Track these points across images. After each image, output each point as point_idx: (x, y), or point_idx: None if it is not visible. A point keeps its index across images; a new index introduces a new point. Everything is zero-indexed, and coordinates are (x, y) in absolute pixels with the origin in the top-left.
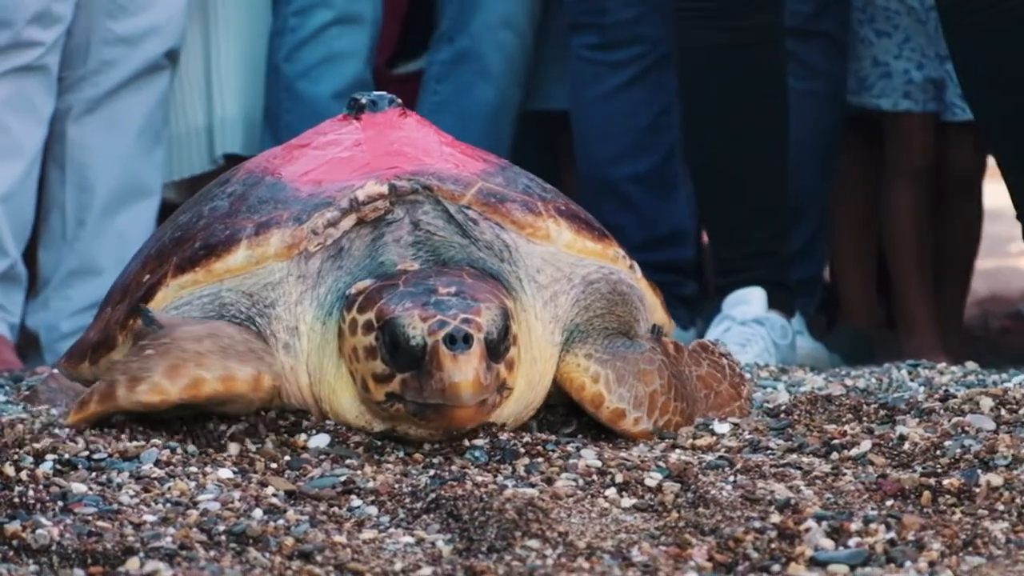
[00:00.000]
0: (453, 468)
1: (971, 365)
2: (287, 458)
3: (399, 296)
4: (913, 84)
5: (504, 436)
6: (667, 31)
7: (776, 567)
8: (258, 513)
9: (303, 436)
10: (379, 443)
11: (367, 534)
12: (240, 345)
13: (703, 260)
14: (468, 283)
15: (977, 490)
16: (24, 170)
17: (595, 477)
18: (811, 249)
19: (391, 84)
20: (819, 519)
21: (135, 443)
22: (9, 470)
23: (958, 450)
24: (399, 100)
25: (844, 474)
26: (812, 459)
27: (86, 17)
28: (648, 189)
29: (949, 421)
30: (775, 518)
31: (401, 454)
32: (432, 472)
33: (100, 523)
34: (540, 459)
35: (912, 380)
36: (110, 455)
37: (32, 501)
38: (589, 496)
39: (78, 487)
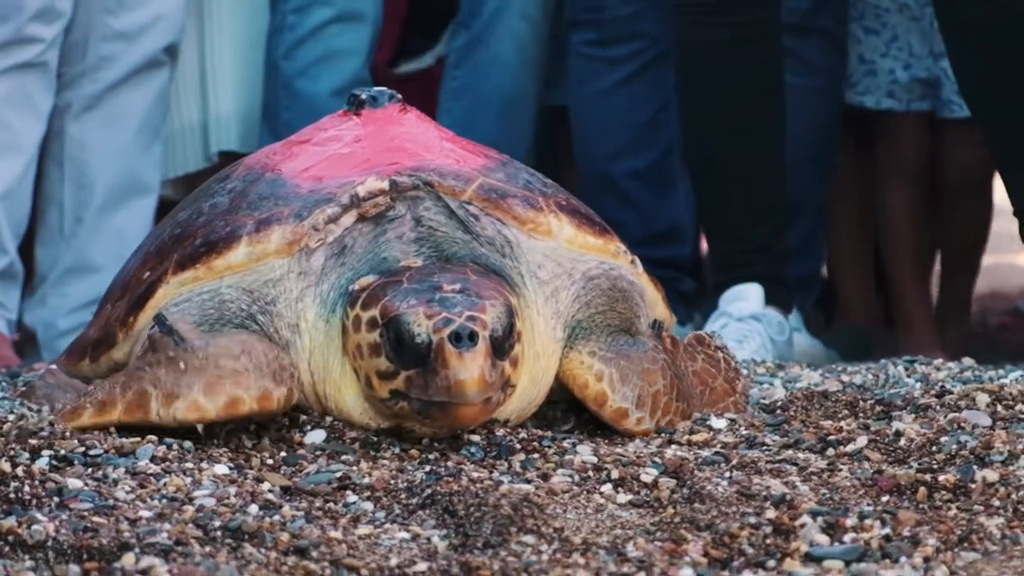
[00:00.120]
0: (449, 464)
1: (967, 361)
2: (283, 454)
3: (403, 293)
4: (898, 83)
5: (500, 432)
6: (666, 27)
7: (771, 563)
8: (254, 509)
9: (299, 432)
10: (375, 439)
11: (363, 530)
12: (273, 363)
13: (700, 256)
14: (472, 280)
15: (973, 486)
16: (22, 167)
17: (591, 473)
18: (809, 245)
19: (391, 84)
20: (815, 515)
21: (131, 439)
22: (5, 465)
23: (954, 446)
24: (399, 96)
25: (840, 470)
26: (808, 455)
27: (85, 13)
28: (647, 185)
29: (945, 417)
30: (771, 514)
31: (397, 450)
32: (428, 468)
33: (96, 519)
34: (536, 455)
35: (908, 376)
36: (106, 451)
37: (28, 497)
38: (585, 492)
39: (74, 483)
